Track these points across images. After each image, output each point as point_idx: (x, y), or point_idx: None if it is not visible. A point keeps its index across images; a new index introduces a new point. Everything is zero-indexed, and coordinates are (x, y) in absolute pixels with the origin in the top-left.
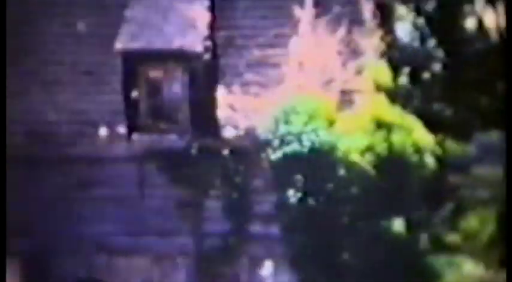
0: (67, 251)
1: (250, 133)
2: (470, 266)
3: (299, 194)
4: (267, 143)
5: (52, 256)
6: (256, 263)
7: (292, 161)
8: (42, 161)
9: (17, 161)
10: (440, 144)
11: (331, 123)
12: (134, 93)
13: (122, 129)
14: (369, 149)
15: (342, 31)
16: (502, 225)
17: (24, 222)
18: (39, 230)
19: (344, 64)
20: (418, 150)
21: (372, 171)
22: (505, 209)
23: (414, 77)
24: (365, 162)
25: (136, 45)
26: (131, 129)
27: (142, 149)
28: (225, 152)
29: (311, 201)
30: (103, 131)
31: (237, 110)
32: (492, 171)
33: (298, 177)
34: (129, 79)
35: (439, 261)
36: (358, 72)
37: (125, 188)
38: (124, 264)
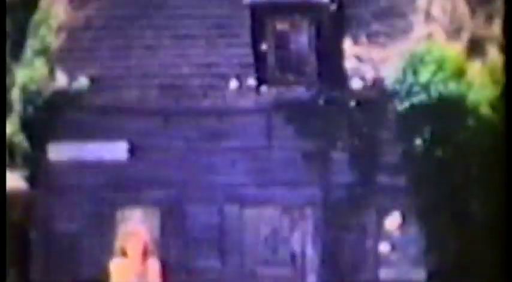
0: (200, 201)
1: (377, 84)
2: None
3: (426, 145)
4: (394, 94)
5: (187, 205)
6: (384, 213)
7: (419, 112)
8: (175, 113)
9: (152, 113)
10: None
11: (460, 73)
12: (262, 46)
13: (251, 82)
14: (501, 99)
15: None
16: None
17: (161, 173)
18: (174, 180)
19: (473, 11)
20: None
21: (502, 123)
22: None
23: None
24: (496, 113)
25: None
26: (260, 81)
27: (270, 101)
28: (352, 103)
29: (438, 151)
30: (233, 84)
31: (364, 61)
32: None
33: (426, 127)
34: (257, 32)
35: None
36: (489, 19)
37: (254, 140)
38: (254, 214)
